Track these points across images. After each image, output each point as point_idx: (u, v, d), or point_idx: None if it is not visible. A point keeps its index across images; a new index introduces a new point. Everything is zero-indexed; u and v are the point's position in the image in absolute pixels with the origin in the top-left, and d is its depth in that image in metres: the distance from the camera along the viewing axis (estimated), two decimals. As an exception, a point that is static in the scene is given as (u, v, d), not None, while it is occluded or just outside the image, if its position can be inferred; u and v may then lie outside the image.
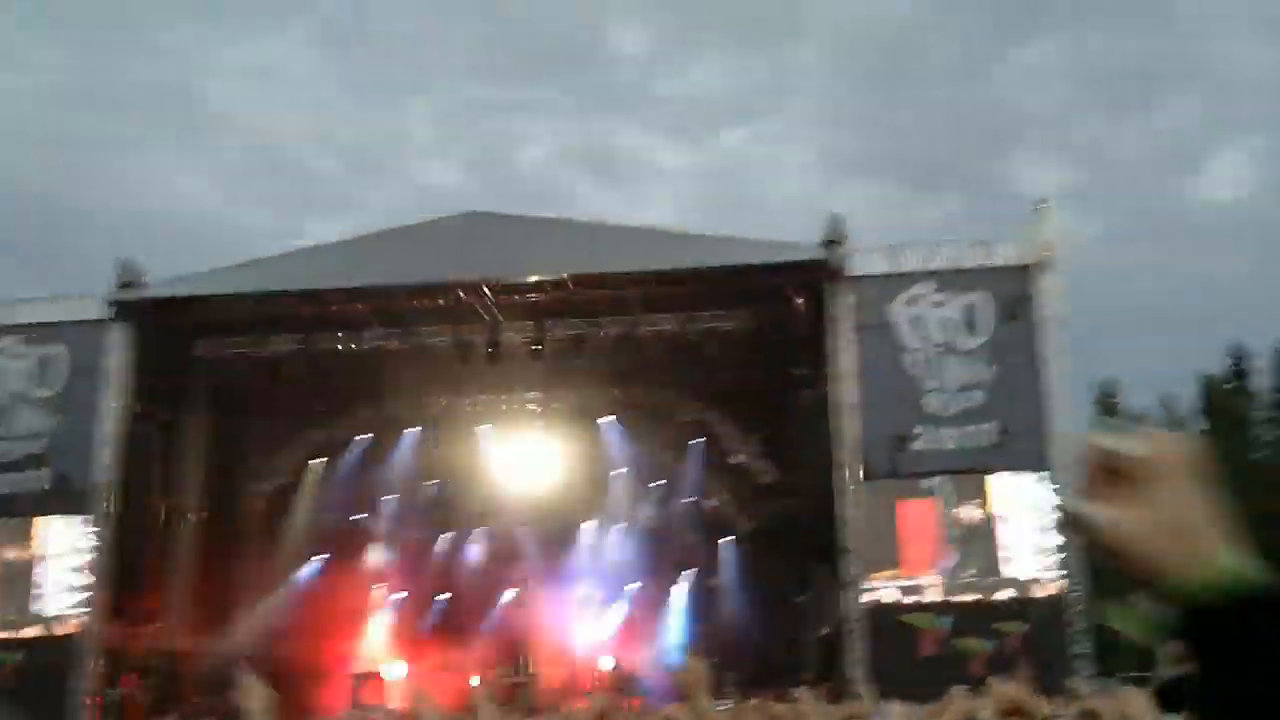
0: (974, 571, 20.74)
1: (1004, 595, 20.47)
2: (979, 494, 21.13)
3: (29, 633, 22.11)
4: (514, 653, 26.99)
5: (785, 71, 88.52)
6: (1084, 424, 35.08)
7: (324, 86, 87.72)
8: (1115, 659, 22.34)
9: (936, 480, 21.26)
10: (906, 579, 20.84)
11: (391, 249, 25.12)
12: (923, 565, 20.93)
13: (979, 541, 20.89)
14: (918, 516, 21.19)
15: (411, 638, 28.85)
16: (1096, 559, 1.16)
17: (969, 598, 20.52)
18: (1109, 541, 1.13)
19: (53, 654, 21.65)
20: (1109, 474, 1.15)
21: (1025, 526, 20.75)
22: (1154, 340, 60.98)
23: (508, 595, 28.55)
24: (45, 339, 23.68)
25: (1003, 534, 20.88)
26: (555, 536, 28.50)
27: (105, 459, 22.73)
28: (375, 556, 29.02)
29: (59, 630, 22.01)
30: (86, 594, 22.03)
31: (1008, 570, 20.64)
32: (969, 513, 21.00)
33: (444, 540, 29.29)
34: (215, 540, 26.39)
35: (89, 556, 22.24)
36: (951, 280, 22.19)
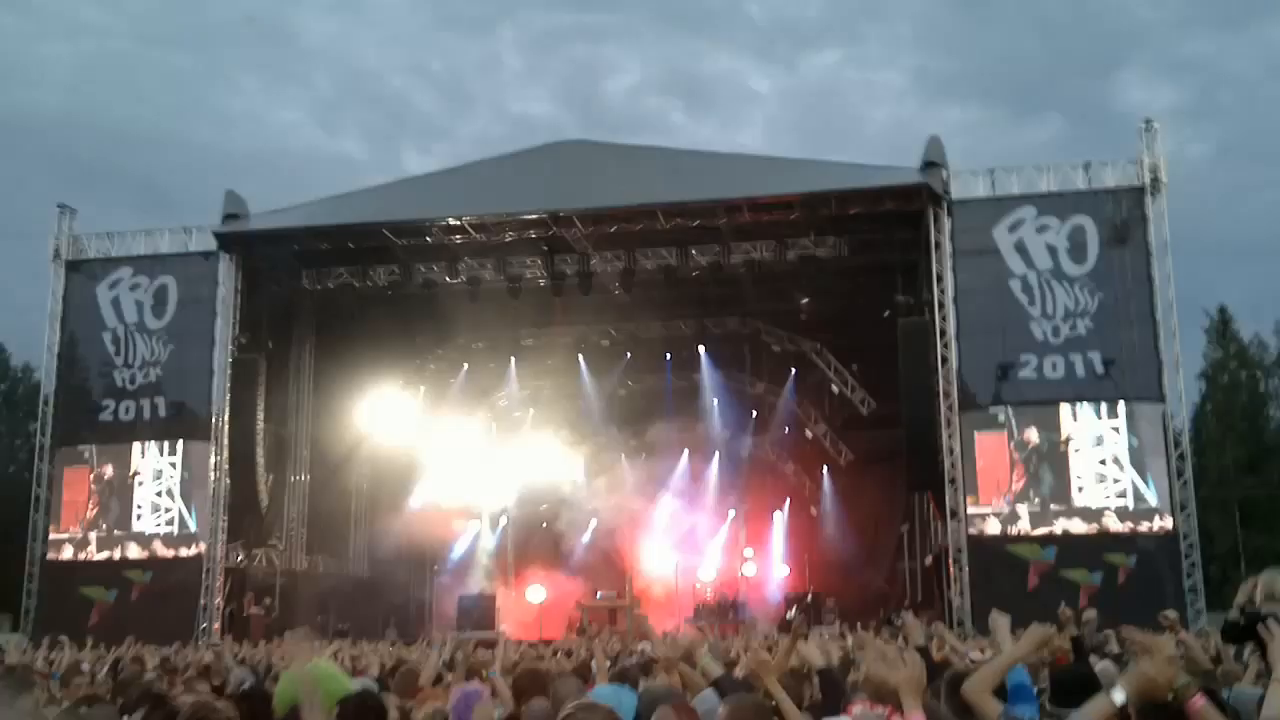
0: (1038, 501, 20.42)
1: (1110, 527, 20.10)
2: (1053, 424, 20.71)
3: (156, 554, 23.16)
4: (615, 577, 27.46)
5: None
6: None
7: (414, 17, 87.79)
8: (1230, 590, 21.84)
9: (1010, 410, 20.87)
10: (984, 507, 20.64)
11: (485, 180, 25.26)
12: (996, 495, 20.67)
13: (1050, 472, 20.54)
14: (993, 446, 20.88)
15: (517, 561, 29.57)
16: None
17: (1073, 529, 20.20)
18: None
19: (178, 574, 22.73)
20: None
21: (1102, 456, 20.40)
22: (1269, 265, 58.59)
23: (609, 521, 28.95)
24: (156, 270, 24.43)
25: (1076, 463, 20.49)
26: (654, 465, 28.72)
27: (218, 387, 23.52)
28: (480, 480, 29.61)
29: (184, 552, 23.04)
30: (208, 517, 22.99)
31: (1080, 500, 20.30)
32: (1043, 442, 20.61)
33: (548, 466, 29.70)
34: (326, 465, 27.24)
35: (209, 480, 23.16)
36: (1055, 204, 21.54)
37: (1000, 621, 4.91)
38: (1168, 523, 19.88)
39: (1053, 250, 21.29)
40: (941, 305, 21.39)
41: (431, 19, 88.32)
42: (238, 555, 23.93)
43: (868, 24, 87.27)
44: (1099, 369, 20.71)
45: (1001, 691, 4.01)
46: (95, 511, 23.63)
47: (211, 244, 24.12)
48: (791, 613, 24.39)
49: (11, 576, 23.99)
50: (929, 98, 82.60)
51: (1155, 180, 21.13)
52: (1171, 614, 8.74)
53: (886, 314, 23.52)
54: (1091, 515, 20.22)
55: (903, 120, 74.62)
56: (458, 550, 29.99)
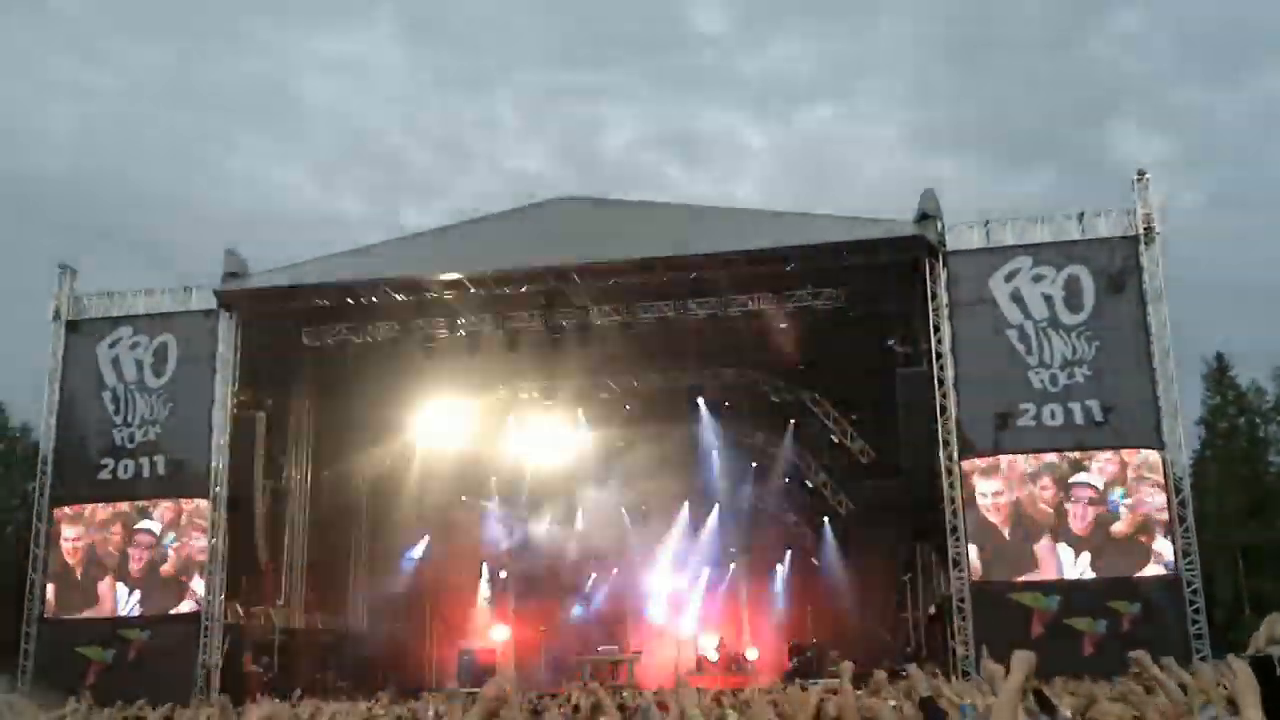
0: (1040, 549, 20.35)
1: (1113, 574, 20.02)
2: (1054, 472, 20.69)
3: (154, 611, 23.01)
4: (616, 631, 27.28)
5: (869, 45, 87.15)
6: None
7: (411, 77, 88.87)
8: (1237, 638, 21.67)
9: (1010, 458, 20.88)
10: (986, 556, 20.56)
11: (484, 235, 25.46)
12: (998, 543, 20.61)
13: (1050, 520, 20.48)
14: (993, 495, 20.82)
15: (517, 615, 29.38)
16: None
17: (1076, 577, 20.13)
18: None
19: (176, 633, 22.56)
20: None
21: (1103, 503, 20.39)
22: (1265, 311, 58.82)
23: (611, 574, 28.81)
24: (156, 329, 24.51)
25: (1077, 511, 20.42)
26: (655, 517, 28.65)
27: (217, 445, 23.52)
28: (481, 535, 29.54)
29: (182, 609, 22.89)
30: (206, 575, 22.86)
31: (1083, 548, 20.23)
32: (1043, 490, 20.61)
33: (548, 520, 29.63)
34: (325, 521, 27.16)
35: (206, 539, 23.06)
36: (1050, 254, 21.73)
37: (995, 669, 4.90)
38: (1171, 569, 19.83)
39: (1049, 300, 21.43)
40: (939, 355, 21.49)
41: (429, 79, 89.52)
42: (236, 613, 23.77)
43: (860, 79, 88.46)
44: (1098, 416, 20.75)
45: None
46: (93, 571, 23.49)
47: (211, 302, 24.24)
48: (794, 663, 24.21)
49: (8, 636, 23.79)
50: (922, 151, 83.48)
51: (1149, 230, 21.31)
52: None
53: (884, 364, 23.62)
54: (1094, 563, 20.16)
55: (896, 173, 75.27)
56: (459, 605, 29.78)
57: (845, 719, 4.78)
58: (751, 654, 27.47)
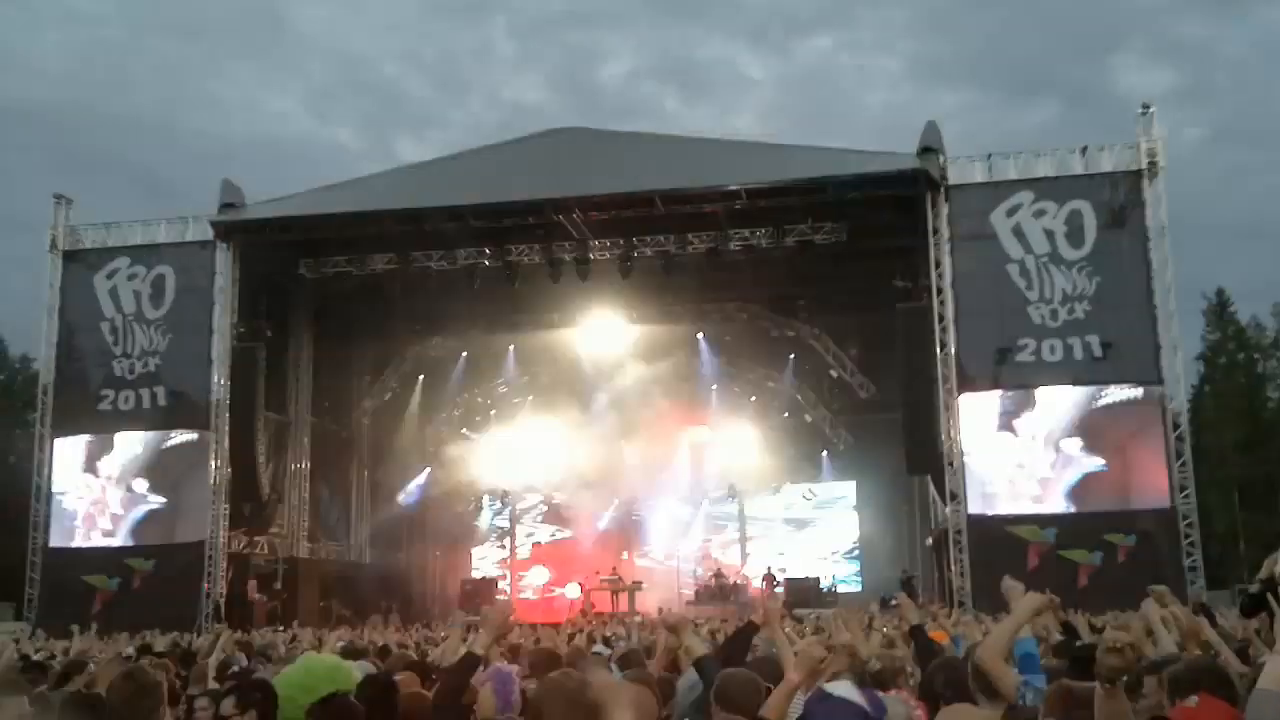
0: (1037, 482, 20.59)
1: (1109, 507, 20.18)
2: (1052, 407, 20.77)
3: (157, 541, 23.20)
4: (617, 560, 27.54)
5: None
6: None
7: (406, 4, 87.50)
8: (1229, 569, 21.97)
9: (1008, 393, 20.95)
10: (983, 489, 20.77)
11: (483, 167, 25.26)
12: (995, 477, 20.83)
13: (1048, 454, 20.66)
14: (991, 429, 20.98)
15: (517, 545, 29.69)
16: None
17: (1072, 509, 20.30)
18: None
19: (180, 562, 22.75)
20: None
21: (1100, 437, 20.52)
22: (1266, 247, 58.70)
23: (610, 505, 28.99)
24: (154, 260, 24.40)
25: (1074, 445, 20.58)
26: (655, 448, 28.75)
27: (217, 376, 23.54)
28: (480, 467, 29.70)
29: (185, 539, 23.04)
30: (209, 505, 22.99)
31: (1079, 481, 20.43)
32: (1041, 425, 20.73)
33: (548, 451, 29.79)
34: (326, 452, 27.31)
35: (210, 468, 23.16)
36: (1052, 189, 21.58)
37: (1014, 586, 4.85)
38: (1167, 503, 19.97)
39: (1050, 234, 21.32)
40: (940, 290, 21.42)
41: (423, 6, 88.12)
42: (239, 542, 23.98)
43: (861, 8, 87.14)
44: (1097, 352, 20.77)
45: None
46: (96, 500, 23.66)
47: (209, 233, 24.08)
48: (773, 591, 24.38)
49: (14, 565, 24.06)
50: (924, 82, 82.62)
51: (1152, 164, 21.14)
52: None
53: (884, 299, 23.57)
54: (1091, 496, 20.31)
55: (898, 105, 74.70)
56: (460, 534, 30.06)
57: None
58: (746, 585, 27.75)
